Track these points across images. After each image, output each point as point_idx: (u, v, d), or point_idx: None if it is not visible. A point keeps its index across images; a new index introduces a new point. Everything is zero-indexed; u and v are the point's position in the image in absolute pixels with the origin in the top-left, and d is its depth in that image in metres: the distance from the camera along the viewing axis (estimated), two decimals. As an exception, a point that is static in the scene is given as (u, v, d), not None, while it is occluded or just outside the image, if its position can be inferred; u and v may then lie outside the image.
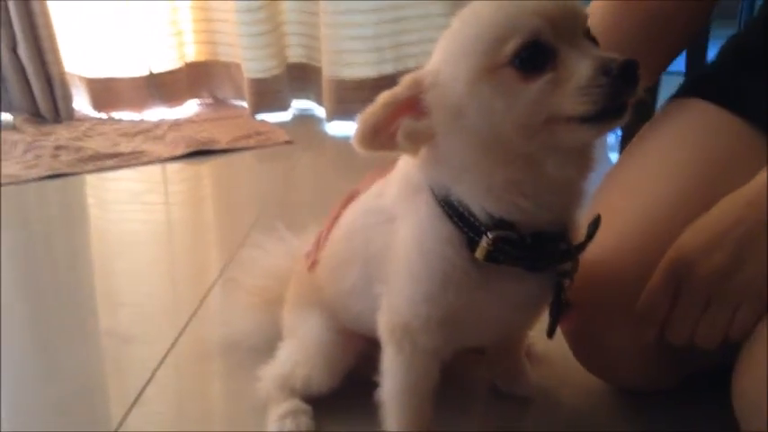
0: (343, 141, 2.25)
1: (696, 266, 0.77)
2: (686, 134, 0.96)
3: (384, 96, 0.68)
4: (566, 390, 1.03)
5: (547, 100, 0.63)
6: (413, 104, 0.69)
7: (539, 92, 0.63)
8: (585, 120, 0.63)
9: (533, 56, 0.63)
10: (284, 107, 2.52)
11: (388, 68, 2.30)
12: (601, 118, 0.64)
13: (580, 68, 0.63)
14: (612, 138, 2.08)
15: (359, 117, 0.69)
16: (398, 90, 0.69)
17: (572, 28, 0.65)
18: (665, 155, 0.96)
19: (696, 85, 1.01)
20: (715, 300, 0.76)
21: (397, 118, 0.69)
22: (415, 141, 0.70)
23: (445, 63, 0.68)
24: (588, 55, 0.64)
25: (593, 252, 0.78)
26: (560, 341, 0.94)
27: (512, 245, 0.71)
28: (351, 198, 0.92)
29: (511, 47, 0.63)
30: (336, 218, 0.92)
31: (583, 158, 0.71)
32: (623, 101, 0.64)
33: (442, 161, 0.70)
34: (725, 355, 0.79)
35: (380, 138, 0.69)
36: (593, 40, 0.68)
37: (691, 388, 0.96)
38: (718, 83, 0.98)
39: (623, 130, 1.58)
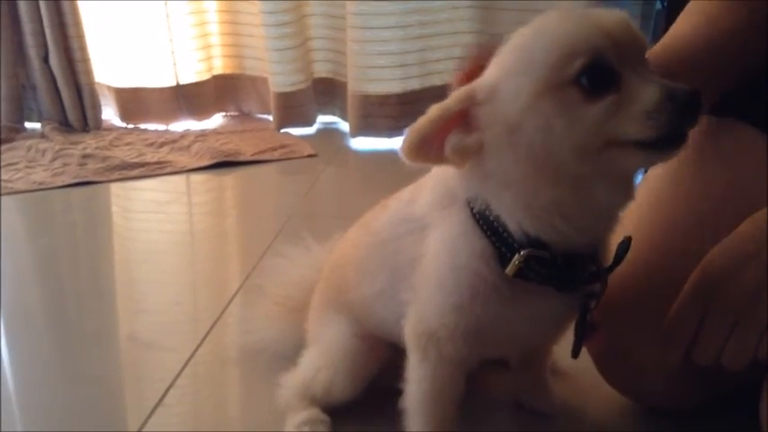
0: (367, 156, 2.28)
1: (724, 286, 0.75)
2: (717, 152, 0.95)
3: (435, 109, 0.67)
4: (589, 406, 1.02)
5: (608, 122, 0.63)
6: (463, 117, 0.68)
7: (601, 113, 0.63)
8: (644, 145, 0.63)
9: (598, 76, 0.63)
10: (309, 122, 2.53)
11: (413, 84, 2.31)
12: (660, 145, 0.63)
13: (647, 92, 0.63)
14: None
15: (408, 128, 0.68)
16: (450, 103, 0.68)
17: (634, 52, 0.65)
18: (695, 172, 0.95)
19: (728, 105, 1.00)
20: (743, 320, 0.75)
21: (447, 130, 0.68)
22: (464, 155, 0.69)
23: (505, 77, 0.67)
24: (652, 81, 0.64)
25: (621, 268, 0.77)
26: (585, 357, 0.93)
27: (542, 264, 0.70)
28: None
29: (577, 65, 0.63)
30: None
31: (629, 185, 0.70)
32: (684, 130, 0.64)
33: (486, 175, 0.70)
34: (754, 374, 0.77)
35: (428, 149, 0.68)
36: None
37: (718, 406, 0.94)
38: (751, 102, 0.97)
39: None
